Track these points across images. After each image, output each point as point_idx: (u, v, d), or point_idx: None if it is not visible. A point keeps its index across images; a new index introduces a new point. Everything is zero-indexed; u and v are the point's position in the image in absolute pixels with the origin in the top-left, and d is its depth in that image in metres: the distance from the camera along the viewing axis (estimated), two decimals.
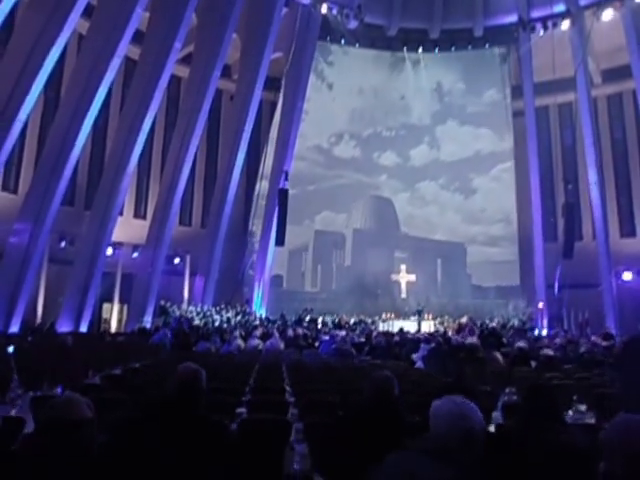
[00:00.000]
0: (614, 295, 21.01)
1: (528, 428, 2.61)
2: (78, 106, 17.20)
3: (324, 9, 20.38)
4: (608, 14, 20.80)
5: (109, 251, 18.97)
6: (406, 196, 25.21)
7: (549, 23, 21.55)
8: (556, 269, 20.99)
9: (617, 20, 20.53)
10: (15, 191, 18.82)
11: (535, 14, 21.90)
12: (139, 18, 17.99)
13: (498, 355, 7.44)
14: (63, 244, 18.81)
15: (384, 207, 25.38)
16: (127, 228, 20.61)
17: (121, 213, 20.13)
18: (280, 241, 20.69)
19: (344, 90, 24.88)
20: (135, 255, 20.38)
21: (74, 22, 16.41)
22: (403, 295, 22.75)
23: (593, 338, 12.16)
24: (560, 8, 21.58)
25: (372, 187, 25.47)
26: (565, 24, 21.41)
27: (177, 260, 21.45)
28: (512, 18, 22.50)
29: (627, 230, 23.42)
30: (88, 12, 17.44)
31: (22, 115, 15.76)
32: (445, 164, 24.95)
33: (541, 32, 21.69)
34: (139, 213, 22.68)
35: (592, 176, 21.71)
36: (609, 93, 24.15)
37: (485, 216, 24.45)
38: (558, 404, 2.85)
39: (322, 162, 25.00)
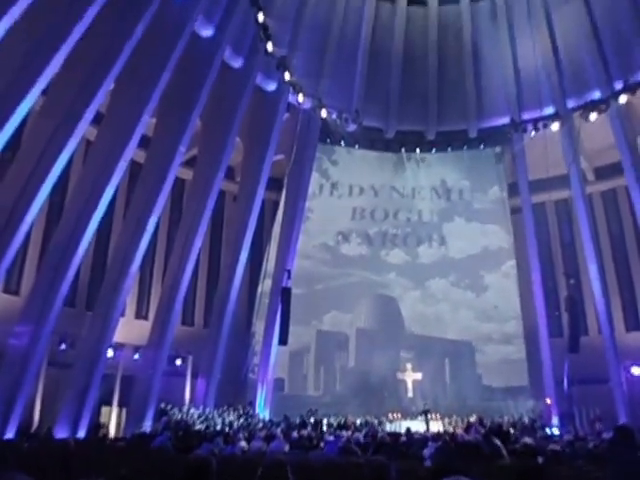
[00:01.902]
0: (624, 391, 20.97)
1: None
2: (84, 209, 18.01)
3: (324, 113, 21.96)
4: (595, 116, 22.23)
5: (110, 353, 19.17)
6: (417, 294, 25.42)
7: (540, 125, 22.93)
8: (564, 365, 21.01)
9: (605, 120, 21.96)
10: (17, 292, 19.30)
11: (526, 116, 23.63)
12: (146, 124, 19.16)
13: (504, 451, 7.61)
14: (63, 346, 19.06)
15: (388, 305, 25.56)
16: (129, 329, 20.93)
17: (123, 314, 20.57)
18: (283, 340, 20.92)
19: (349, 188, 26.17)
20: (136, 357, 20.61)
21: (83, 129, 17.47)
22: (410, 394, 22.66)
23: (604, 435, 12.15)
24: (549, 110, 23.26)
25: (381, 285, 25.77)
26: (555, 125, 22.75)
27: (179, 361, 21.75)
28: (504, 120, 24.11)
29: (632, 324, 23.70)
30: (97, 119, 18.60)
31: (28, 218, 16.36)
32: (454, 261, 25.48)
33: (532, 133, 23.07)
34: (141, 313, 23.08)
35: (593, 271, 22.36)
36: (603, 190, 25.34)
37: (498, 313, 24.56)
38: None
39: (329, 260, 25.57)
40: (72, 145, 17.18)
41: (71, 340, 19.11)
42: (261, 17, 18.58)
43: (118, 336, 19.53)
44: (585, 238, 22.60)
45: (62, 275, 17.39)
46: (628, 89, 21.55)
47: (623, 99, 21.58)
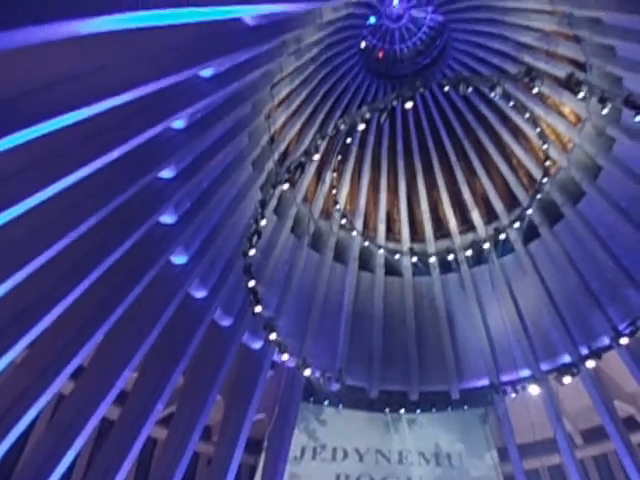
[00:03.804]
0: None
1: None
2: (35, 477, 14.19)
3: (307, 372, 19.95)
4: (569, 379, 20.55)
5: None
6: None
7: (518, 387, 21.11)
8: None
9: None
10: None
11: (504, 378, 22.18)
12: (125, 380, 16.69)
13: None
14: None
15: None
16: None
17: None
18: None
19: (332, 452, 22.27)
20: None
21: (60, 385, 14.79)
22: None
23: None
24: (525, 373, 21.88)
25: None
26: (533, 388, 20.85)
27: None
28: (484, 381, 22.66)
29: None
30: (75, 373, 16.05)
31: None
32: None
33: (513, 395, 20.99)
34: None
35: None
36: (594, 454, 22.55)
37: None
38: None
39: None
40: (44, 401, 14.33)
41: None
42: (252, 283, 17.90)
43: None
44: None
45: None
46: (593, 354, 20.32)
47: (591, 364, 20.22)
